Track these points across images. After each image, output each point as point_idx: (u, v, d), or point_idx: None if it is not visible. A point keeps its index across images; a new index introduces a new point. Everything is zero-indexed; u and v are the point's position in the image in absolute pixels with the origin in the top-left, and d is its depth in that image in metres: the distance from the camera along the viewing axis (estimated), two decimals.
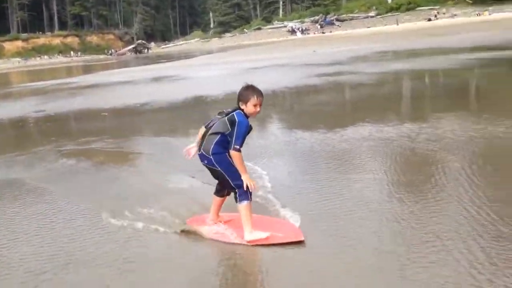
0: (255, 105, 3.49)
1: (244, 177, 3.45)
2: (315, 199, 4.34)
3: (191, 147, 3.79)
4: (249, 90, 3.53)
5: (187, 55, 44.81)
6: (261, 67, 20.28)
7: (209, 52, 46.87)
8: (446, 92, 10.48)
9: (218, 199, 3.84)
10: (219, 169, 3.52)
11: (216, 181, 3.81)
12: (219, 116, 3.59)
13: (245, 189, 3.46)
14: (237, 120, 3.42)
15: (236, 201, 3.56)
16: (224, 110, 3.60)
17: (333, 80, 13.64)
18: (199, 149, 3.61)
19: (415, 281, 2.87)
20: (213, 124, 3.57)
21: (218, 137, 3.49)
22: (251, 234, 3.52)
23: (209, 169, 3.63)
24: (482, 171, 4.73)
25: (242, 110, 3.51)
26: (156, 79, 20.26)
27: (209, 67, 24.62)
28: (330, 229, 3.67)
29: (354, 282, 2.95)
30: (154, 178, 5.57)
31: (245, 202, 3.52)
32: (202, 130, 3.68)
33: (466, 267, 2.96)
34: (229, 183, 3.54)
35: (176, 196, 4.75)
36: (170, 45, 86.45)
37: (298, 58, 23.93)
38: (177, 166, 5.89)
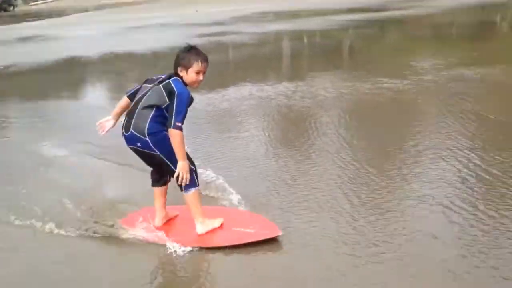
0: (198, 73, 2.84)
1: (180, 165, 2.76)
2: (194, 160, 4.34)
3: (106, 120, 3.11)
4: (192, 53, 2.86)
5: (59, 13, 41.28)
6: (142, 26, 19.43)
7: (85, 10, 43.63)
8: (322, 52, 11.01)
9: (159, 189, 3.10)
10: (158, 153, 2.81)
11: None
12: (149, 85, 2.88)
13: (174, 178, 2.82)
14: (176, 90, 2.74)
15: (182, 190, 2.90)
16: (154, 77, 2.92)
17: (215, 40, 13.56)
18: (126, 129, 2.84)
19: (288, 229, 3.03)
20: (143, 95, 2.84)
21: (153, 111, 2.77)
22: (204, 225, 2.95)
23: (141, 153, 2.88)
24: (349, 125, 5.13)
25: (181, 77, 2.85)
26: (24, 39, 18.41)
27: (85, 26, 22.97)
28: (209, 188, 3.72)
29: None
30: (24, 148, 5.14)
31: (192, 190, 2.89)
32: (124, 101, 3.03)
33: (332, 212, 3.21)
34: (171, 169, 2.84)
35: (54, 169, 4.43)
36: (39, 2, 78.92)
37: (180, 17, 23.31)
38: (51, 135, 5.50)
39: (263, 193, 3.59)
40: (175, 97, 2.73)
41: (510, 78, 6.65)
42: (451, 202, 3.20)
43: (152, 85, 2.85)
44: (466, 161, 3.85)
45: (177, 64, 2.88)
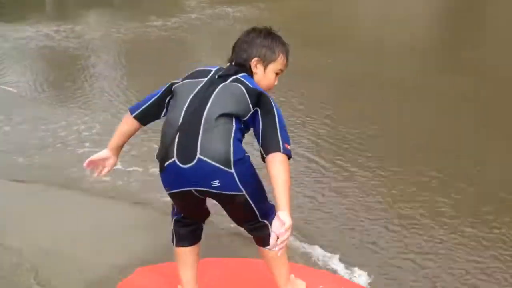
0: (277, 72, 1.73)
1: (287, 217, 1.46)
2: None
3: (101, 157, 1.77)
4: (277, 41, 1.73)
5: None
6: None
7: None
8: None
9: (191, 250, 1.84)
10: (244, 193, 1.59)
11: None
12: (196, 80, 1.65)
13: (277, 231, 1.45)
14: (269, 98, 1.62)
15: (265, 245, 1.65)
16: (194, 71, 1.70)
17: None
18: (186, 157, 1.54)
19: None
20: (204, 97, 1.60)
21: (234, 125, 1.58)
22: None
23: (208, 196, 1.63)
24: (121, 64, 5.01)
25: (251, 75, 1.69)
26: None
27: None
28: None
29: None
30: None
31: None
32: (130, 124, 1.75)
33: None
34: (253, 215, 1.68)
35: None
36: None
37: None
38: None
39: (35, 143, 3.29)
40: (271, 105, 1.62)
41: (269, 16, 7.29)
42: None
43: (206, 79, 1.64)
44: None
45: (252, 53, 1.70)
